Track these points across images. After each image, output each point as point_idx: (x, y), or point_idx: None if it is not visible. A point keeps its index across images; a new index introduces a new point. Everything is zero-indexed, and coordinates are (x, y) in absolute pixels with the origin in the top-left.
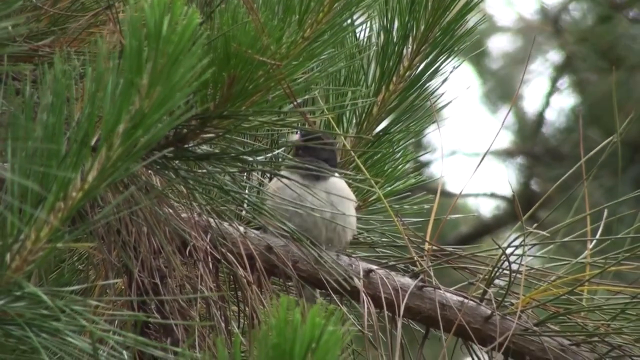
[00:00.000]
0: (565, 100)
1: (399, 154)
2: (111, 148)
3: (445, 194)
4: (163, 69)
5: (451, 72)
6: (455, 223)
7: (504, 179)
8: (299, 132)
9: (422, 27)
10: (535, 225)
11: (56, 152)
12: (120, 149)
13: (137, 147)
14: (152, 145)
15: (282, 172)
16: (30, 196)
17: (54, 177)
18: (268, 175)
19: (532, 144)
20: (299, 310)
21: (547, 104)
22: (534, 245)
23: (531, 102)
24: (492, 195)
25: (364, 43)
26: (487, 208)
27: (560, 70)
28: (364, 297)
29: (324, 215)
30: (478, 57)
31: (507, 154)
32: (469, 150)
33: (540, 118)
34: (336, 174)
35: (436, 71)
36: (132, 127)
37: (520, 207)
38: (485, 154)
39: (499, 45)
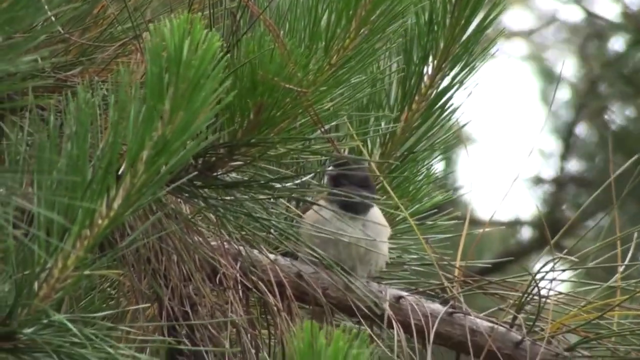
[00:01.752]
0: (590, 126)
1: (423, 174)
2: (135, 175)
3: (472, 221)
4: (184, 94)
5: (474, 87)
6: (479, 251)
7: (530, 205)
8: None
9: (442, 45)
10: (565, 251)
11: (80, 183)
12: (144, 175)
13: (162, 173)
14: (177, 171)
15: (322, 202)
16: (57, 226)
17: (79, 206)
18: (301, 203)
19: (557, 171)
20: (323, 334)
21: (571, 130)
22: (564, 270)
23: (556, 128)
24: (518, 222)
25: (387, 67)
26: (511, 235)
27: (584, 95)
28: (394, 323)
29: (359, 249)
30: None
31: (533, 181)
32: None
33: (566, 144)
34: (375, 206)
35: (459, 87)
36: (156, 154)
37: (544, 234)
38: (515, 180)
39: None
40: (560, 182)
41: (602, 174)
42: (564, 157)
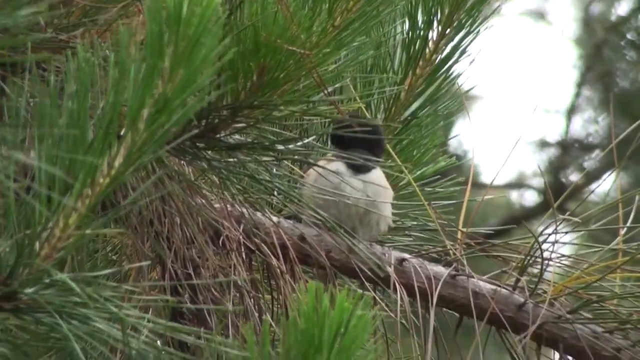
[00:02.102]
0: (594, 90)
1: (427, 138)
2: (136, 133)
3: (476, 184)
4: (184, 52)
5: (477, 53)
6: (484, 214)
7: (534, 169)
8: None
9: (447, 10)
10: (567, 213)
11: (82, 139)
12: (145, 133)
13: (163, 130)
14: (180, 132)
15: (321, 162)
16: (58, 184)
17: (81, 164)
18: (305, 165)
19: (562, 135)
20: (327, 296)
21: (577, 94)
22: (567, 233)
23: (560, 93)
24: (523, 186)
25: (390, 30)
26: (516, 199)
27: (589, 59)
28: (397, 285)
29: (359, 207)
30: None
31: (538, 145)
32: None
33: (570, 108)
34: (377, 167)
35: (463, 53)
36: (156, 112)
37: (559, 200)
38: (516, 144)
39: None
40: (565, 146)
41: (607, 138)
42: (569, 120)
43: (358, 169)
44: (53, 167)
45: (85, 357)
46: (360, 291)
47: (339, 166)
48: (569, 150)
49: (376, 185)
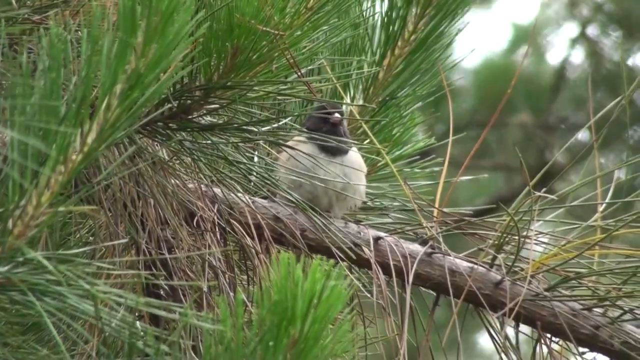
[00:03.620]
0: (579, 69)
1: (407, 118)
2: (109, 109)
3: (457, 164)
4: (157, 27)
5: (456, 34)
6: (470, 196)
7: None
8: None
9: None
10: (543, 190)
11: (55, 111)
12: (118, 109)
13: (135, 106)
14: (152, 111)
15: (298, 145)
16: (31, 156)
17: (54, 138)
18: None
19: (546, 114)
20: (300, 267)
21: (561, 72)
22: (543, 209)
23: (546, 71)
24: (507, 168)
25: (368, 11)
26: (503, 181)
27: (574, 39)
28: (374, 265)
29: (335, 187)
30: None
31: (522, 126)
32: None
33: (555, 86)
34: (353, 148)
35: (441, 34)
36: (129, 87)
37: (535, 178)
38: (491, 123)
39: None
40: (550, 126)
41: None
42: (554, 99)
43: (333, 153)
44: (26, 137)
45: (59, 334)
46: (332, 261)
47: (313, 149)
48: (553, 130)
49: (351, 168)
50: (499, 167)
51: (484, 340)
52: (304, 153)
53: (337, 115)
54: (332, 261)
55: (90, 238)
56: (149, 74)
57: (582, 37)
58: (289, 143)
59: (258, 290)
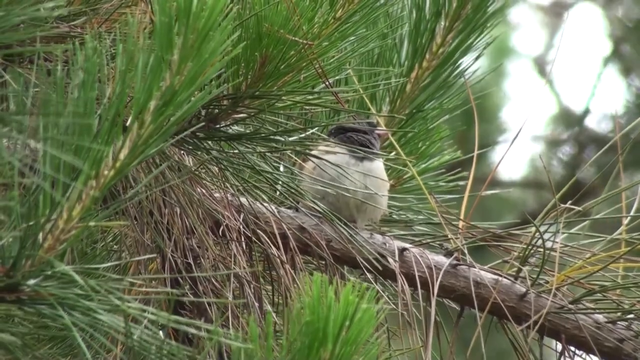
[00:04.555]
0: (612, 88)
1: (433, 131)
2: (142, 125)
3: (485, 180)
4: (194, 45)
5: (484, 48)
6: (499, 212)
7: (545, 164)
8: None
9: (455, 4)
10: (569, 202)
11: (88, 128)
12: (151, 126)
13: (169, 124)
14: (184, 123)
15: (326, 155)
16: (64, 170)
17: (86, 154)
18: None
19: (578, 132)
20: (332, 289)
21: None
22: (568, 222)
23: (578, 90)
24: (537, 184)
25: (396, 22)
26: (532, 198)
27: (607, 58)
28: (399, 276)
29: (356, 197)
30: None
31: (552, 142)
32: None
33: (587, 105)
34: (380, 158)
35: (469, 47)
36: (163, 104)
37: (563, 194)
38: (516, 137)
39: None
40: (581, 143)
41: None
42: (584, 117)
43: (361, 159)
44: (59, 153)
45: (86, 348)
46: (365, 284)
47: (344, 156)
48: (584, 148)
49: (375, 177)
50: (529, 184)
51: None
52: (330, 163)
53: (380, 129)
54: (364, 285)
55: (115, 246)
56: (184, 91)
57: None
58: (315, 152)
59: (289, 310)
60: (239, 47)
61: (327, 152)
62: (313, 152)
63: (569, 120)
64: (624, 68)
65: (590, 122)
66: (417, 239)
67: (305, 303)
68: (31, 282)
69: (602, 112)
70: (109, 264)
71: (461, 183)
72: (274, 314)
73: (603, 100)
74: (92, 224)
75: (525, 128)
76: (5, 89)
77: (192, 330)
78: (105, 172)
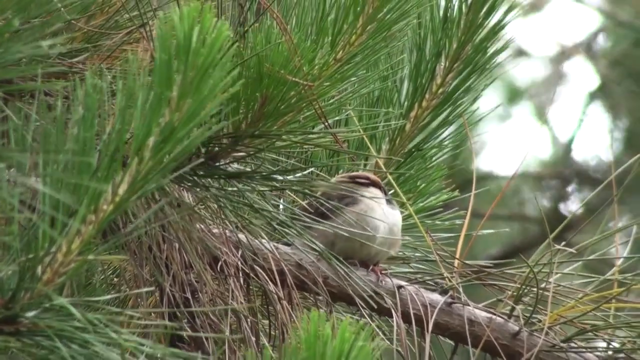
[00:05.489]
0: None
1: (432, 170)
2: (142, 161)
3: (478, 215)
4: (193, 81)
5: (483, 89)
6: (485, 244)
7: (534, 201)
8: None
9: (455, 45)
10: (563, 243)
11: (87, 165)
12: (150, 162)
13: (168, 160)
14: (183, 159)
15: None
16: (62, 208)
17: (85, 190)
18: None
19: (563, 168)
20: (329, 325)
21: (579, 128)
22: (562, 262)
23: (563, 127)
24: (522, 217)
25: (397, 64)
26: (517, 231)
27: (593, 94)
28: (394, 314)
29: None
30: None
31: (538, 178)
32: (504, 171)
33: (571, 142)
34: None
35: (469, 88)
36: (162, 140)
37: (550, 229)
38: (513, 176)
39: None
40: (567, 179)
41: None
42: (570, 152)
43: (392, 204)
44: (57, 192)
45: None
46: (362, 321)
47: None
48: (570, 182)
49: (398, 227)
50: (514, 217)
51: None
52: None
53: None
54: (361, 322)
55: (115, 279)
56: (183, 128)
57: (601, 91)
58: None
59: (284, 344)
60: (238, 84)
61: (372, 198)
62: (365, 194)
63: (556, 155)
64: (609, 104)
65: (575, 156)
66: (412, 277)
67: (301, 339)
68: (30, 314)
69: (586, 147)
70: (108, 296)
71: (457, 222)
72: (270, 349)
73: (588, 135)
74: (91, 257)
75: (515, 165)
76: (6, 125)
77: None
78: (105, 207)
